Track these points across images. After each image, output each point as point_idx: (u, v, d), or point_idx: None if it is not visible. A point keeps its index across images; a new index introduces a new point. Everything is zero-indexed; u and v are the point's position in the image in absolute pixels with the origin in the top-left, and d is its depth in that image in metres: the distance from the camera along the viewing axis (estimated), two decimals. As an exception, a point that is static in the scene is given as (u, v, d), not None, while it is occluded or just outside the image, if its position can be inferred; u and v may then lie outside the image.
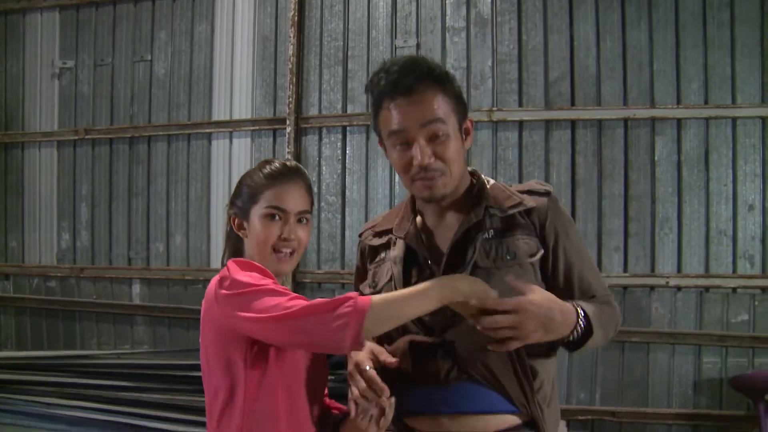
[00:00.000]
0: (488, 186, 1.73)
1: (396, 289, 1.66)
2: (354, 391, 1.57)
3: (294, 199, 1.73)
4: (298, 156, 5.05)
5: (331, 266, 5.03)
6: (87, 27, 5.62)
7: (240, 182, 1.80)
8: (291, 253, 1.73)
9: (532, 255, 1.63)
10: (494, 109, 4.71)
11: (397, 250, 1.72)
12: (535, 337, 1.46)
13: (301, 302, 1.47)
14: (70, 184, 5.62)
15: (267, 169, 1.76)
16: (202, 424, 1.74)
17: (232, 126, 5.26)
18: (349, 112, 5.02)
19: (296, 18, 5.05)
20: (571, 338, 1.57)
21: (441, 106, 1.60)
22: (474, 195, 1.71)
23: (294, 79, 5.04)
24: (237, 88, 5.29)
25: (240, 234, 1.78)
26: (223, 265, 1.75)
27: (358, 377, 1.56)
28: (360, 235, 1.91)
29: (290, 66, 5.05)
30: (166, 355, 4.72)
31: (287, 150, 5.00)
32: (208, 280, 5.34)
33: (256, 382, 1.60)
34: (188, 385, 4.09)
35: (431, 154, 1.58)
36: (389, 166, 4.89)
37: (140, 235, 5.45)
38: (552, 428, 1.64)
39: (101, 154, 5.55)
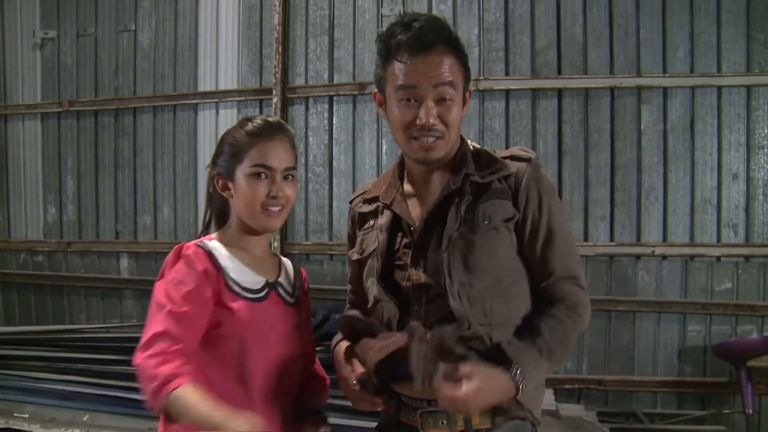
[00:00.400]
0: (471, 151, 1.73)
1: (380, 257, 1.70)
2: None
3: (279, 156, 1.70)
4: (284, 127, 5.01)
5: (320, 237, 5.03)
6: (68, -5, 5.53)
7: (221, 141, 1.76)
8: (280, 210, 1.71)
9: (508, 219, 1.63)
10: (481, 78, 4.68)
11: (384, 218, 1.73)
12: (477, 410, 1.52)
13: (148, 352, 1.52)
14: (55, 157, 5.57)
15: (249, 127, 1.72)
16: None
17: (218, 97, 5.21)
18: (335, 81, 4.99)
19: (281, -14, 4.99)
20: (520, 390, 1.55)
21: (454, 70, 1.61)
22: (457, 161, 1.70)
23: (280, 49, 4.99)
24: (222, 58, 5.24)
25: (225, 195, 1.74)
26: (206, 229, 1.82)
27: (349, 391, 1.67)
28: (350, 202, 1.91)
29: (276, 35, 5.00)
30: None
31: (273, 121, 4.96)
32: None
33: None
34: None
35: (436, 115, 1.59)
36: (376, 136, 4.88)
37: (127, 208, 5.43)
38: (530, 400, 1.64)
39: (86, 126, 5.50)
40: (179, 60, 5.31)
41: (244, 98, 5.16)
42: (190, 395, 1.47)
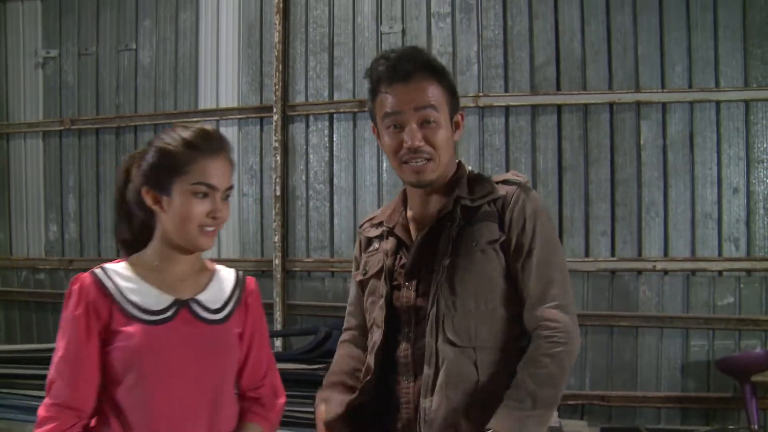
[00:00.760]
0: (466, 176, 1.77)
1: (388, 279, 1.74)
2: None
3: (222, 175, 1.61)
4: (285, 144, 5.04)
5: (321, 254, 5.03)
6: (70, 15, 5.56)
7: (155, 151, 1.61)
8: (214, 230, 1.63)
9: (493, 241, 1.66)
10: (480, 94, 4.71)
11: (389, 243, 1.79)
12: None
13: (45, 401, 1.54)
14: (56, 175, 5.58)
15: (189, 137, 1.60)
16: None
17: (218, 114, 5.23)
18: (335, 99, 5.01)
19: (281, 5, 5.02)
20: None
21: (435, 94, 1.68)
22: (452, 185, 1.75)
23: (280, 67, 5.02)
24: (223, 76, 5.26)
25: (155, 208, 1.61)
26: (130, 246, 1.70)
27: None
28: (360, 227, 1.98)
29: (276, 53, 5.02)
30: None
31: (274, 138, 4.99)
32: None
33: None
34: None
35: (421, 137, 1.65)
36: (377, 153, 4.88)
37: (128, 226, 5.42)
38: None
39: (88, 145, 5.52)
40: (180, 78, 5.33)
41: (244, 116, 5.18)
42: None
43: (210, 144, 1.60)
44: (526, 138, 4.67)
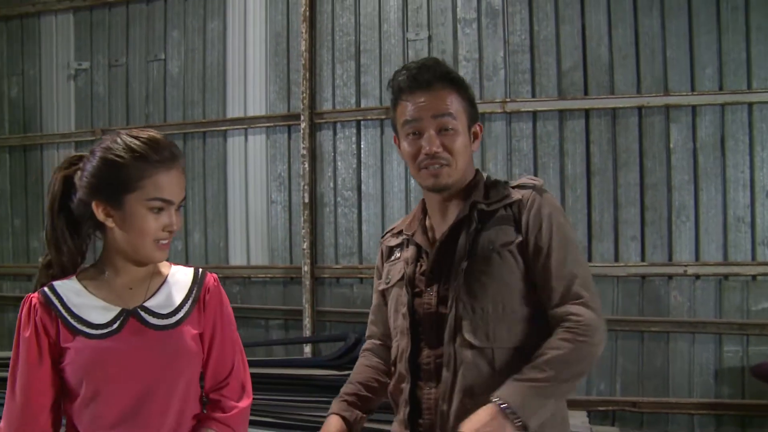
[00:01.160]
0: (483, 182, 1.81)
1: (410, 287, 1.77)
2: None
3: (177, 188, 1.57)
4: (313, 151, 5.07)
5: (349, 261, 5.05)
6: (101, 28, 5.67)
7: (103, 162, 1.55)
8: (169, 242, 1.60)
9: (509, 243, 1.69)
10: (507, 100, 4.70)
11: (410, 251, 1.83)
12: None
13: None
14: (88, 185, 5.65)
15: (140, 150, 1.53)
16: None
17: (246, 123, 5.28)
18: (363, 106, 5.03)
19: (308, 13, 5.06)
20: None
21: (453, 103, 1.74)
22: (469, 190, 1.79)
23: (307, 75, 5.06)
24: (251, 84, 5.32)
25: (106, 222, 1.57)
26: (77, 264, 1.65)
27: None
28: (382, 238, 2.02)
29: (303, 61, 5.06)
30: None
31: (302, 145, 5.02)
32: (227, 277, 5.36)
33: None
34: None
35: (439, 144, 1.71)
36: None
37: (158, 234, 5.49)
38: None
39: (118, 154, 5.58)
40: (208, 87, 5.40)
41: (272, 124, 5.23)
42: None
43: (162, 155, 1.55)
44: (554, 143, 4.65)
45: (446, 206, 1.80)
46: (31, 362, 1.54)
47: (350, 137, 5.07)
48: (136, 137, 1.56)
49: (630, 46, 4.54)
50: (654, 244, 4.49)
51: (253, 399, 1.75)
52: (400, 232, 1.92)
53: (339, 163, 5.09)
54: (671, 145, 4.47)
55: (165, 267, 1.71)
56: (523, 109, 4.68)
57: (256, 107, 5.28)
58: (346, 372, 3.80)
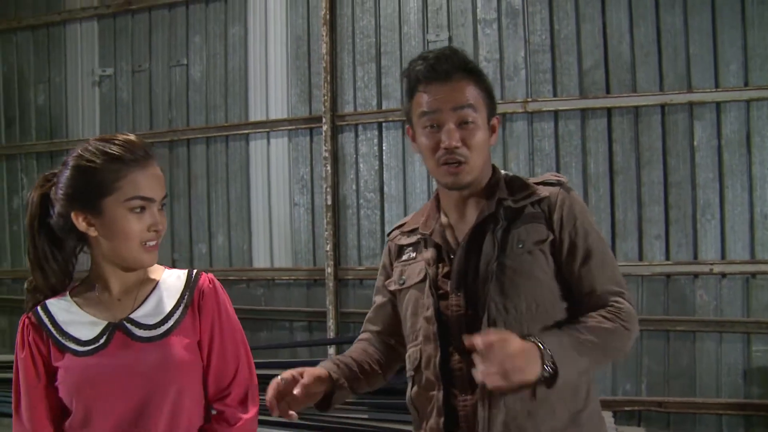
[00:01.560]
0: (504, 179, 1.75)
1: (431, 288, 1.68)
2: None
3: (156, 184, 1.52)
4: (335, 153, 5.09)
5: (372, 262, 5.06)
6: (124, 34, 5.75)
7: (76, 171, 1.50)
8: (156, 243, 1.54)
9: (541, 241, 1.64)
10: (529, 99, 4.69)
11: (429, 252, 1.74)
12: (494, 380, 1.42)
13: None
14: (113, 189, 5.72)
15: (113, 151, 1.49)
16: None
17: (268, 126, 5.32)
18: (384, 108, 5.05)
19: (328, 16, 5.09)
20: (544, 376, 1.48)
21: (473, 94, 1.66)
22: (490, 188, 1.73)
23: (328, 78, 5.08)
24: (272, 88, 5.35)
25: (89, 232, 1.51)
26: (66, 280, 1.61)
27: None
28: (388, 235, 1.94)
29: (324, 64, 5.09)
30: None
31: (324, 148, 5.05)
32: (251, 279, 5.37)
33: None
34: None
35: (459, 138, 1.62)
36: (426, 160, 4.89)
37: (183, 237, 5.56)
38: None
39: (143, 159, 5.65)
40: (230, 91, 5.44)
41: (294, 127, 5.26)
42: None
43: (136, 154, 1.50)
44: (576, 142, 4.63)
45: (465, 204, 1.72)
46: (30, 383, 1.53)
47: (372, 139, 5.08)
48: (108, 141, 1.51)
49: (652, 44, 4.50)
50: (679, 242, 4.45)
51: None
52: (412, 231, 1.82)
53: (361, 165, 5.10)
54: (695, 143, 4.43)
55: (157, 272, 1.64)
56: (544, 109, 4.67)
57: (278, 110, 5.32)
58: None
